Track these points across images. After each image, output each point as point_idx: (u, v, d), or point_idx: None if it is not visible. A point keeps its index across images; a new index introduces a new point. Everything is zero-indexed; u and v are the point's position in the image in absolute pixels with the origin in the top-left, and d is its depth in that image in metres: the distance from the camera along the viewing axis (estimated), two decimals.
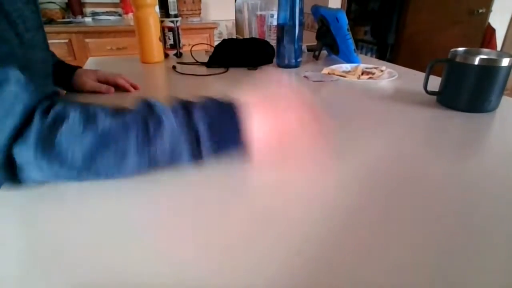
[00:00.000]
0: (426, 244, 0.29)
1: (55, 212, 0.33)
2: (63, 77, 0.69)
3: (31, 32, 0.42)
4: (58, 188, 0.37)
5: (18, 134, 0.31)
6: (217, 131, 0.36)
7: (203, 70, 0.92)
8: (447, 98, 0.63)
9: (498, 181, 0.39)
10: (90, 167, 0.34)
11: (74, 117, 0.33)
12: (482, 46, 2.62)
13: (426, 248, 0.29)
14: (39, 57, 0.46)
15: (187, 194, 0.37)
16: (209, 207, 0.34)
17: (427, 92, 0.64)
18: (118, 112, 0.35)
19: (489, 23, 2.62)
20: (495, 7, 2.57)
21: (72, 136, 0.32)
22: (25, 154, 0.31)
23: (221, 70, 0.90)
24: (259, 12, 1.18)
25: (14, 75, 0.32)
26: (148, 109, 0.36)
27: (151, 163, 0.35)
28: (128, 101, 0.38)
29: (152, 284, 0.25)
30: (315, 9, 1.00)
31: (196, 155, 0.36)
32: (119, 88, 0.73)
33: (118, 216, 0.33)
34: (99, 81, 0.72)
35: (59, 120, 0.32)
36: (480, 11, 2.60)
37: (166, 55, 1.04)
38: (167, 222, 0.32)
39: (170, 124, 0.35)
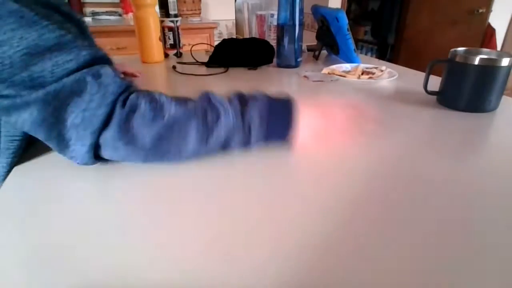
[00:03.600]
0: (426, 244, 0.29)
1: (54, 210, 0.34)
2: None
3: None
4: (59, 187, 0.37)
5: (106, 120, 0.36)
6: (268, 123, 0.41)
7: (203, 70, 0.92)
8: (447, 98, 0.63)
9: (498, 181, 0.39)
10: (156, 150, 0.38)
11: (145, 106, 0.38)
12: (482, 46, 2.62)
13: (425, 248, 0.29)
14: None
15: (188, 194, 0.37)
16: (209, 205, 0.34)
17: (427, 92, 0.64)
18: (181, 101, 0.40)
19: (489, 23, 2.62)
20: (495, 7, 2.57)
21: (144, 123, 0.37)
22: (107, 137, 0.36)
23: (221, 70, 0.90)
24: (259, 12, 1.18)
25: (105, 68, 0.37)
26: (207, 100, 0.41)
27: (207, 150, 0.40)
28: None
29: (155, 283, 0.25)
30: (315, 9, 1.00)
31: (246, 143, 0.41)
32: None
33: (120, 213, 0.33)
34: None
35: (134, 109, 0.37)
36: (480, 11, 2.60)
37: (166, 55, 1.04)
38: (169, 219, 0.32)
39: (226, 115, 0.40)
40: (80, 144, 0.36)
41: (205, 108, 0.40)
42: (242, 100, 0.42)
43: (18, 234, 0.31)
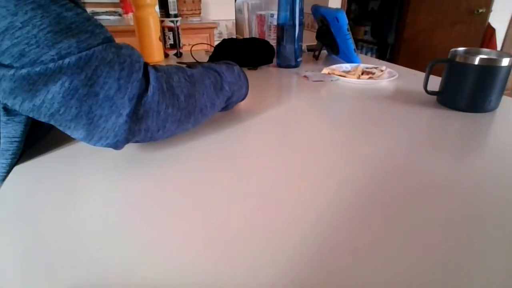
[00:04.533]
0: (425, 244, 0.29)
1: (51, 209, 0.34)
2: None
3: None
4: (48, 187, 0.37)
5: (145, 86, 0.37)
6: (236, 88, 0.53)
7: None
8: (447, 98, 0.63)
9: (498, 181, 0.39)
10: (187, 109, 0.42)
11: (173, 68, 0.43)
12: (482, 46, 2.62)
13: (425, 248, 0.29)
14: None
15: (187, 195, 0.37)
16: (207, 204, 0.34)
17: (427, 92, 0.64)
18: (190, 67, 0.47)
19: (489, 23, 2.62)
20: (495, 7, 2.57)
21: (179, 83, 0.41)
22: (151, 101, 0.37)
23: None
24: (259, 12, 1.18)
25: (119, 43, 0.39)
26: (202, 66, 0.49)
27: (223, 96, 0.49)
28: None
29: (155, 283, 0.25)
30: (315, 9, 1.00)
31: (242, 94, 0.56)
32: None
33: (119, 212, 0.33)
34: None
35: (167, 71, 0.41)
36: (480, 11, 2.60)
37: (166, 55, 1.04)
38: (170, 220, 0.32)
39: (225, 76, 0.49)
40: (115, 116, 0.35)
41: (207, 67, 0.49)
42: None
43: (18, 234, 0.31)
